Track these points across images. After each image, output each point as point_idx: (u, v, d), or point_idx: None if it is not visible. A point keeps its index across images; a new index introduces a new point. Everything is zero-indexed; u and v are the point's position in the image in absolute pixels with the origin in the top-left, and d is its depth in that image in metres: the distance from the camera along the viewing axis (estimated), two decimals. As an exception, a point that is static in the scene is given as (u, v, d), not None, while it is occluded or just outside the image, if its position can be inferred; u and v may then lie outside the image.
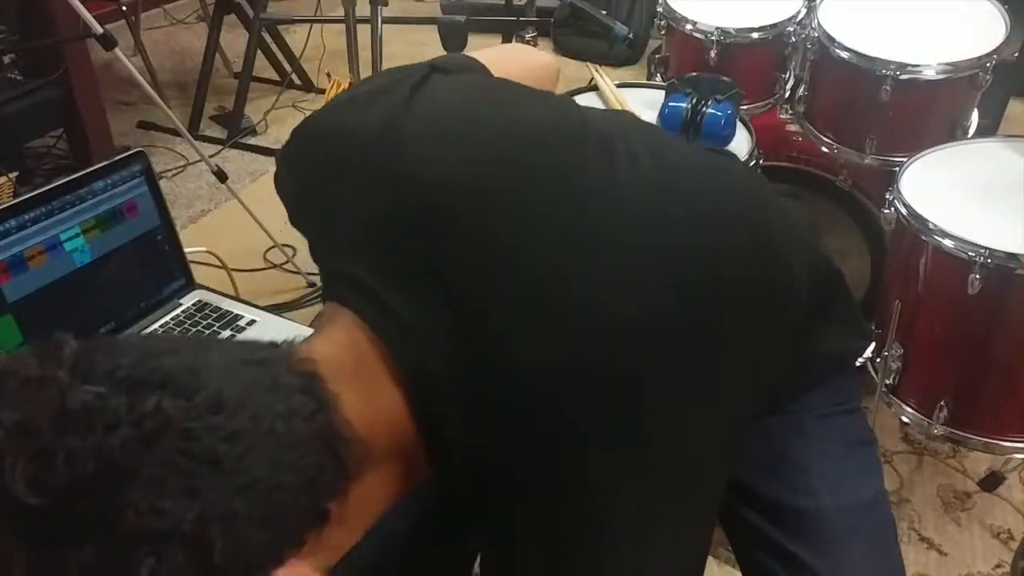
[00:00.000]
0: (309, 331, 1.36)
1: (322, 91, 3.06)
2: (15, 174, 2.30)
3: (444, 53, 0.92)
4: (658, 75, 2.01)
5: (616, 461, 0.67)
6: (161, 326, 1.33)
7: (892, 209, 1.47)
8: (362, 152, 0.73)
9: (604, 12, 3.24)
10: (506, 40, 2.52)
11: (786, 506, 0.88)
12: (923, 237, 1.39)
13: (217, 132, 3.06)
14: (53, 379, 0.51)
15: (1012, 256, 1.30)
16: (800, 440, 0.90)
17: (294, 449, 0.56)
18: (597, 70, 1.69)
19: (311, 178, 0.78)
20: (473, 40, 1.94)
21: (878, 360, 1.53)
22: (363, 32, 2.02)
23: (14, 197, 1.87)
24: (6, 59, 2.43)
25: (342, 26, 2.03)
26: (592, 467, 0.67)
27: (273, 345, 0.62)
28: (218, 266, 1.90)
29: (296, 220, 0.82)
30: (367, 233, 0.71)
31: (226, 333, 1.31)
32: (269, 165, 2.91)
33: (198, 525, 0.50)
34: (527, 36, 2.34)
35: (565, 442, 0.67)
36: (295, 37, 3.28)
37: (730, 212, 0.79)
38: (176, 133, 2.65)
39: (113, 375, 0.52)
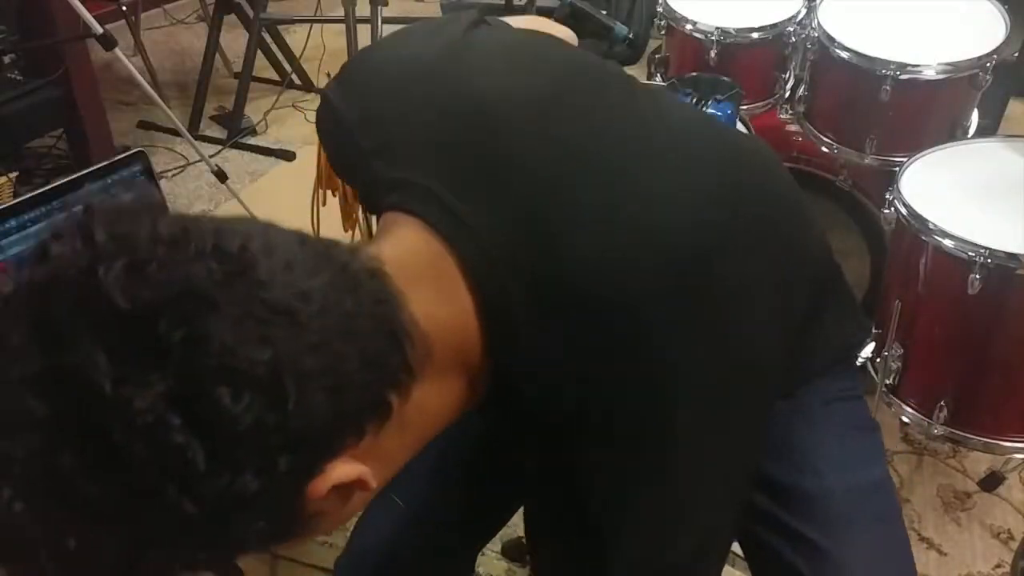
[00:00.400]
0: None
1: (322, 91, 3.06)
2: (15, 174, 2.30)
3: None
4: (658, 75, 2.01)
5: (684, 358, 0.67)
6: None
7: (892, 209, 1.47)
8: (424, 70, 0.77)
9: (604, 12, 3.23)
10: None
11: (792, 487, 0.88)
12: (923, 237, 1.39)
13: (217, 132, 3.06)
14: (147, 208, 0.53)
15: (1012, 256, 1.30)
16: (805, 423, 0.90)
17: (361, 321, 0.56)
18: (597, 70, 1.69)
19: (369, 100, 0.79)
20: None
21: (878, 360, 1.53)
22: (363, 32, 2.03)
23: (14, 197, 1.87)
24: (6, 59, 2.44)
25: (342, 26, 2.03)
26: (659, 365, 0.67)
27: (336, 243, 0.62)
28: (218, 266, 1.90)
29: (344, 157, 0.83)
30: (427, 143, 0.72)
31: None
32: (269, 165, 2.91)
33: (272, 373, 0.50)
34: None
35: (633, 345, 0.67)
36: (295, 37, 3.28)
37: (771, 166, 0.85)
38: (176, 133, 2.65)
39: (196, 224, 0.53)
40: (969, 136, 1.69)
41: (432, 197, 0.68)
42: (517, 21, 0.93)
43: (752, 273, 0.72)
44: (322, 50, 3.16)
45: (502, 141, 0.71)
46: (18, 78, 2.46)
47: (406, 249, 0.67)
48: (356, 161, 0.78)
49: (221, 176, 2.14)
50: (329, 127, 0.83)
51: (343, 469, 0.56)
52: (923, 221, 1.38)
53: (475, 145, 0.71)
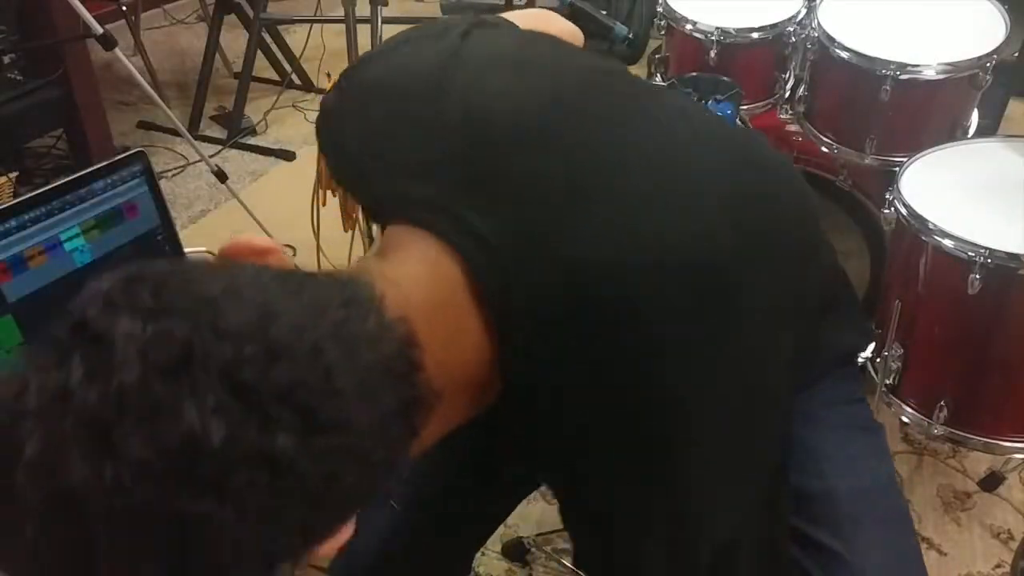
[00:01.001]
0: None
1: (322, 91, 3.06)
2: (15, 174, 2.31)
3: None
4: (658, 75, 2.01)
5: (691, 370, 0.67)
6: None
7: (892, 209, 1.47)
8: (423, 84, 0.75)
9: (604, 12, 3.24)
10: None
11: (797, 489, 0.88)
12: (923, 237, 1.39)
13: (217, 132, 3.06)
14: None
15: (1012, 256, 1.30)
16: (807, 425, 0.90)
17: (385, 402, 0.55)
18: (597, 70, 1.69)
19: (369, 115, 0.78)
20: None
21: (878, 360, 1.53)
22: (363, 32, 2.03)
23: (14, 197, 1.87)
24: (6, 59, 2.44)
25: (342, 26, 2.03)
26: (666, 375, 0.67)
27: (357, 286, 0.58)
28: (218, 266, 1.90)
29: (344, 168, 0.82)
30: (428, 160, 0.72)
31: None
32: (269, 165, 2.91)
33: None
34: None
35: (640, 350, 0.66)
36: (295, 37, 3.28)
37: (783, 171, 0.83)
38: (176, 133, 2.65)
39: (233, 375, 0.49)
40: (969, 136, 1.69)
41: (441, 208, 0.67)
42: (524, 17, 0.93)
43: (766, 287, 0.72)
44: (322, 50, 3.16)
45: (502, 154, 0.70)
46: (18, 78, 2.46)
47: (421, 277, 0.65)
48: (359, 175, 0.78)
49: (221, 176, 2.14)
50: (330, 139, 0.82)
51: None
52: (923, 221, 1.38)
53: (475, 160, 0.70)
